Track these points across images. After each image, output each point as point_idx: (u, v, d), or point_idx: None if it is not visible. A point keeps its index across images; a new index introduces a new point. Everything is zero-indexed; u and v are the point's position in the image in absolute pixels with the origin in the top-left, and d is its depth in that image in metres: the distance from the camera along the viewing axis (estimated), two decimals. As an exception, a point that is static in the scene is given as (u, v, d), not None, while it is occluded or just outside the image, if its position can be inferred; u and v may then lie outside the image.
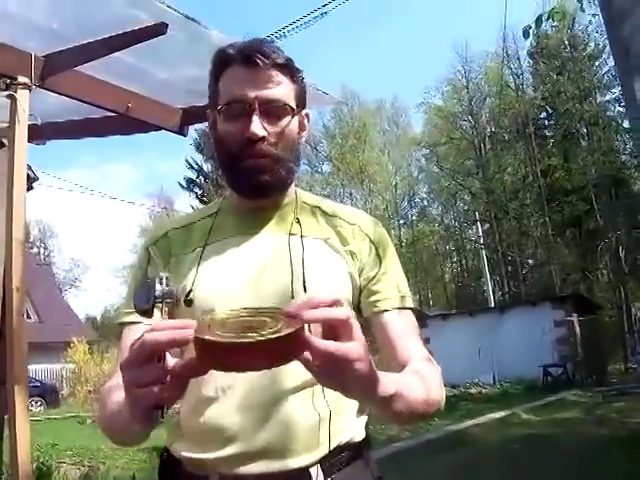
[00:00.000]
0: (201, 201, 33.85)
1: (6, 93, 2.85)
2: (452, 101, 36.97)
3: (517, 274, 33.93)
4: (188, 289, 1.11)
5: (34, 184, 4.59)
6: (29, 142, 2.98)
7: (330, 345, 0.74)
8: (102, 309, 50.47)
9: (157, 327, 0.74)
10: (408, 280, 1.26)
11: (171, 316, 0.95)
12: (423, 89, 55.89)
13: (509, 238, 33.74)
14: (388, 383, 0.88)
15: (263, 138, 1.11)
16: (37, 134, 3.31)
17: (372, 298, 1.17)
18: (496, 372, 17.39)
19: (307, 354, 0.74)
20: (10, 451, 2.72)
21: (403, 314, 1.17)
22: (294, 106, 1.16)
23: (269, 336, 0.70)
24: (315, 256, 1.14)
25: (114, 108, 3.34)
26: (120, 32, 2.85)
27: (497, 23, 51.72)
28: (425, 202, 41.55)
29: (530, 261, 34.76)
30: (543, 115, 34.97)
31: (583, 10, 6.67)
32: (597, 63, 31.88)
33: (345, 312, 0.76)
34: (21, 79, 2.86)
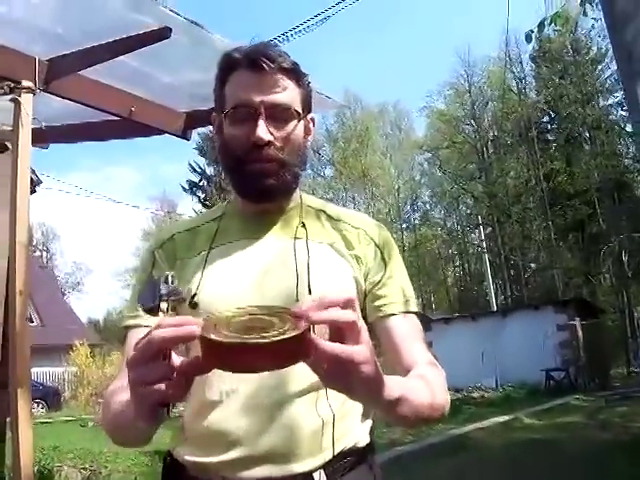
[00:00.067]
0: (204, 205, 33.89)
1: (10, 97, 2.86)
2: (454, 105, 36.98)
3: (520, 278, 33.88)
4: (193, 292, 1.10)
5: (37, 187, 4.60)
6: (33, 145, 2.99)
7: (336, 347, 0.74)
8: (104, 312, 50.45)
9: (163, 324, 0.74)
10: (411, 284, 1.26)
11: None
12: (425, 93, 56.08)
13: (512, 242, 33.68)
14: (393, 387, 0.88)
15: (269, 142, 1.11)
16: (41, 137, 3.32)
17: (377, 302, 1.17)
18: (499, 376, 17.35)
19: (314, 357, 0.73)
20: (12, 454, 2.72)
21: (408, 318, 1.17)
22: (300, 110, 1.16)
23: (274, 338, 0.69)
24: (320, 260, 1.14)
25: (118, 112, 3.35)
26: (124, 36, 2.86)
27: (500, 27, 51.87)
28: (428, 206, 41.53)
29: (533, 265, 34.72)
30: (546, 119, 34.93)
31: (586, 14, 6.64)
32: (600, 67, 31.85)
33: (353, 314, 0.75)
34: (25, 83, 2.87)
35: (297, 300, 1.05)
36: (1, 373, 3.15)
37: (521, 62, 34.52)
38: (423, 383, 1.02)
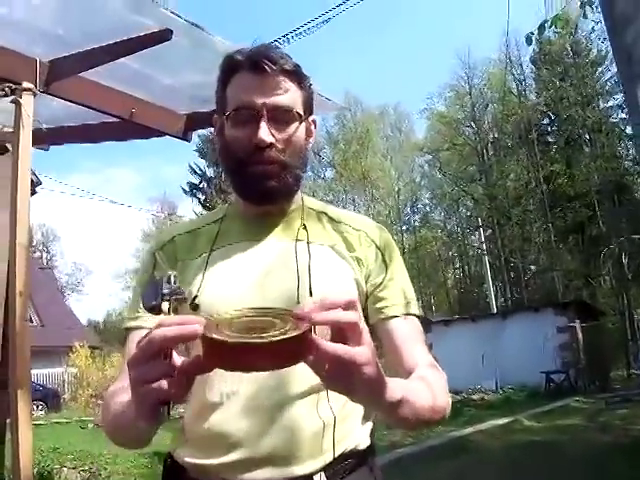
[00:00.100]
0: (204, 206, 33.93)
1: (11, 98, 2.86)
2: (455, 107, 36.98)
3: (520, 280, 33.86)
4: (194, 294, 1.10)
5: (37, 188, 4.61)
6: (33, 147, 2.99)
7: (338, 348, 0.73)
8: (104, 314, 50.53)
9: (164, 323, 0.74)
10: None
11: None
12: (426, 95, 56.21)
13: (512, 244, 33.67)
14: (395, 388, 0.88)
15: (271, 145, 1.11)
16: (41, 139, 3.32)
17: (378, 305, 1.17)
18: (498, 378, 17.34)
19: (315, 357, 0.73)
20: (12, 455, 2.72)
21: (409, 320, 1.17)
22: (302, 112, 1.17)
23: (275, 338, 0.69)
24: (321, 262, 1.14)
25: (118, 114, 3.36)
26: (125, 38, 2.87)
27: (500, 29, 51.89)
28: (428, 208, 41.53)
29: (533, 267, 34.68)
30: (546, 121, 34.93)
31: (586, 17, 6.66)
32: (600, 69, 31.86)
33: (355, 315, 0.75)
34: (26, 84, 2.87)
35: (298, 302, 1.05)
36: (1, 374, 3.16)
37: (521, 64, 34.55)
38: (424, 385, 1.02)
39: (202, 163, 35.89)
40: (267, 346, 0.69)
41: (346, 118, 38.99)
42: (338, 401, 1.07)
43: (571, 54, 32.38)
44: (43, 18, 2.83)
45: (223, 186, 31.26)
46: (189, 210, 35.93)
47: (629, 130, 25.69)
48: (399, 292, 1.19)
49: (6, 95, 2.85)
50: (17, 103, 2.85)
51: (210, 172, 35.53)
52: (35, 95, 2.90)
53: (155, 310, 0.87)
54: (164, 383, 0.73)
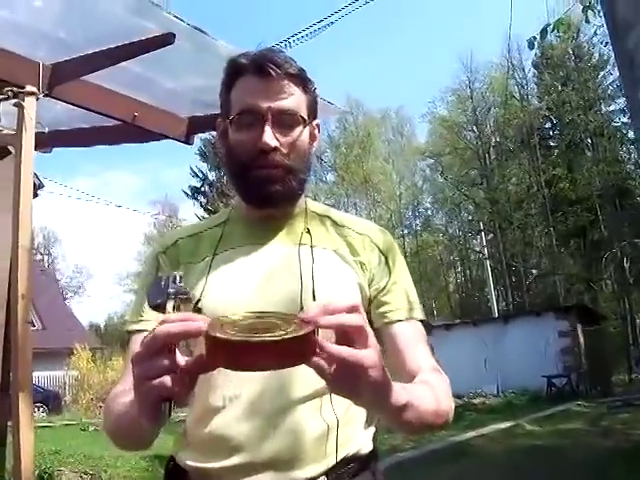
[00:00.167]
0: (205, 209, 33.95)
1: (14, 101, 2.86)
2: (457, 111, 36.98)
3: (521, 284, 33.81)
4: (197, 298, 1.10)
5: (39, 191, 4.62)
6: (35, 150, 2.99)
7: (344, 350, 0.73)
8: (105, 316, 50.57)
9: (169, 319, 0.75)
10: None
11: None
12: (428, 99, 56.13)
13: (513, 248, 33.64)
14: (400, 392, 0.87)
15: (275, 148, 1.11)
16: (43, 142, 3.32)
17: (382, 309, 1.17)
18: (500, 382, 17.31)
19: (320, 359, 0.73)
20: (13, 457, 2.72)
21: (412, 324, 1.17)
22: (306, 117, 1.17)
23: (278, 338, 0.69)
24: (325, 266, 1.14)
25: (121, 117, 3.36)
26: (127, 42, 2.87)
27: (502, 33, 51.75)
28: (429, 212, 41.51)
29: (534, 271, 34.65)
30: (548, 125, 34.96)
31: (588, 21, 6.67)
32: (602, 74, 31.88)
33: (360, 318, 0.75)
34: (29, 88, 2.87)
35: (301, 306, 1.05)
36: (3, 377, 3.16)
37: (523, 68, 34.58)
38: (428, 389, 1.02)
39: (204, 166, 35.96)
40: (270, 345, 0.69)
41: (348, 122, 39.00)
42: (341, 405, 1.06)
43: (573, 58, 32.42)
44: (46, 21, 2.83)
45: (224, 189, 31.27)
46: (190, 213, 35.99)
47: (631, 134, 25.74)
48: (402, 296, 1.19)
49: (9, 98, 2.85)
50: (20, 106, 2.85)
51: (212, 175, 35.58)
52: (38, 98, 2.91)
53: (160, 308, 0.88)
54: (167, 379, 0.73)
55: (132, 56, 2.94)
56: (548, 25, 6.01)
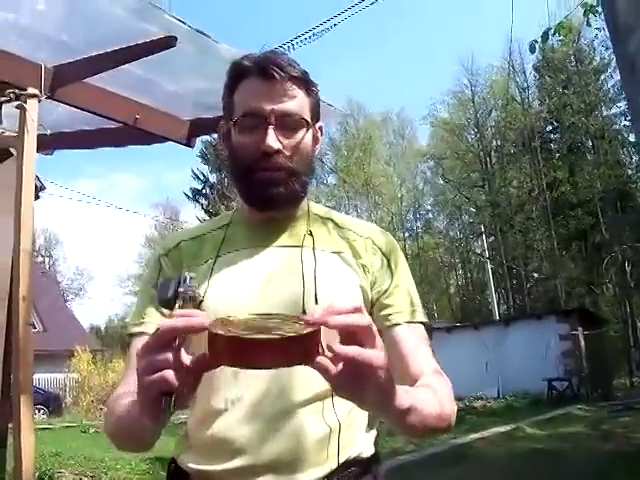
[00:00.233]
0: (207, 212, 33.94)
1: (16, 103, 2.87)
2: (458, 114, 37.04)
3: (522, 287, 33.83)
4: (199, 300, 1.10)
5: (40, 193, 4.62)
6: (37, 152, 3.00)
7: (351, 350, 0.73)
8: (106, 319, 50.55)
9: (172, 316, 0.76)
10: (415, 292, 1.25)
11: None
12: (429, 102, 56.12)
13: (514, 251, 33.66)
14: (403, 396, 0.87)
15: (278, 151, 1.11)
16: (45, 144, 3.33)
17: (384, 312, 1.16)
18: (501, 386, 17.29)
19: (324, 359, 0.73)
20: (14, 459, 2.71)
21: (415, 327, 1.17)
22: (309, 119, 1.17)
23: (283, 335, 0.69)
24: (327, 269, 1.13)
25: (123, 119, 3.36)
26: (130, 44, 2.88)
27: (503, 37, 51.98)
28: (430, 214, 41.55)
29: (535, 274, 34.67)
30: (549, 128, 34.98)
31: (589, 24, 6.68)
32: (603, 77, 31.94)
33: (367, 319, 0.75)
34: (31, 90, 2.88)
35: (304, 308, 1.05)
36: (3, 379, 3.16)
37: (524, 71, 34.64)
38: (431, 393, 1.01)
39: (205, 169, 35.95)
40: (274, 343, 0.69)
41: (349, 124, 39.07)
42: (343, 408, 1.06)
43: (574, 62, 32.46)
44: (48, 24, 2.84)
45: (226, 192, 31.29)
46: (192, 216, 35.97)
47: (632, 138, 25.74)
48: (405, 299, 1.18)
49: (11, 100, 2.86)
50: (22, 108, 2.85)
51: (213, 178, 35.57)
52: (40, 100, 2.91)
53: (169, 304, 0.88)
54: (168, 373, 0.73)
55: (134, 59, 2.94)
56: (549, 28, 6.03)
